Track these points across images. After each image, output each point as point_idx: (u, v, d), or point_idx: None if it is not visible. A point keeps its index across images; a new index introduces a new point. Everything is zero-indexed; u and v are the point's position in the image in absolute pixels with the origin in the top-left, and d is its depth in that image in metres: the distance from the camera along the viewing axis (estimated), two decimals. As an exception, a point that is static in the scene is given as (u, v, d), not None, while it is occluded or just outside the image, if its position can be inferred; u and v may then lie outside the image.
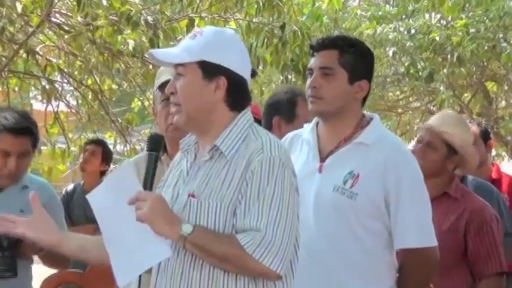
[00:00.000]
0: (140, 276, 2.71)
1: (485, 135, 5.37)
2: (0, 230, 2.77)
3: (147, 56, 6.58)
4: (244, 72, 2.67)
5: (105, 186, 2.70)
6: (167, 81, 3.22)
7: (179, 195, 2.65)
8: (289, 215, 2.53)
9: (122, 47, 6.43)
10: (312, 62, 3.29)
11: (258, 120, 4.04)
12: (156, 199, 2.57)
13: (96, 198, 2.70)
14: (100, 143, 7.15)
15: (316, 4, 9.22)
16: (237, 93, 2.65)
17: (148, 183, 2.65)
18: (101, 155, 6.96)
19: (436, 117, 4.13)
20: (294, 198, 2.58)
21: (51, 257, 3.54)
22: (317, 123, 3.33)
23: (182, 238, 2.52)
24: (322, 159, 3.23)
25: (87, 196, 2.72)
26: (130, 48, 6.18)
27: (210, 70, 2.61)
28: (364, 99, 3.29)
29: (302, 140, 3.34)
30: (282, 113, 4.12)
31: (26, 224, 2.78)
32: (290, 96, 4.15)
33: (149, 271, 2.68)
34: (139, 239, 2.57)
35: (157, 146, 2.70)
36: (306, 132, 3.34)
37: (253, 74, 2.73)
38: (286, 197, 2.54)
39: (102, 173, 6.98)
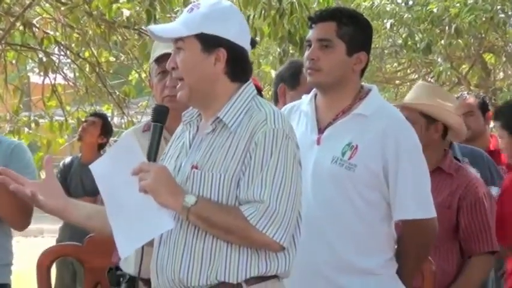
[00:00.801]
0: (142, 247, 2.71)
1: (483, 107, 5.37)
2: (12, 187, 2.75)
3: (144, 28, 6.62)
4: (244, 42, 2.66)
5: (107, 156, 2.70)
6: (164, 55, 3.22)
7: (181, 167, 2.65)
8: (292, 187, 2.54)
9: (118, 18, 6.41)
10: (310, 34, 3.28)
11: (260, 93, 4.07)
12: (159, 170, 2.57)
13: (98, 169, 2.69)
14: (101, 116, 7.15)
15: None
16: (238, 64, 2.64)
17: (153, 154, 2.62)
18: (100, 127, 6.95)
19: (410, 92, 4.16)
20: (297, 170, 2.58)
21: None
22: (315, 95, 3.32)
23: (186, 209, 2.52)
24: (321, 131, 3.23)
25: (90, 166, 2.70)
26: (125, 18, 6.15)
27: (208, 42, 2.60)
28: (363, 71, 3.28)
29: (300, 112, 3.34)
30: (286, 80, 4.18)
31: (35, 186, 2.74)
32: (294, 65, 4.20)
33: (151, 243, 2.69)
34: (142, 210, 2.57)
35: (162, 117, 2.68)
36: (304, 103, 3.34)
37: (253, 43, 2.72)
38: (289, 168, 2.54)
39: (100, 146, 6.97)
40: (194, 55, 2.61)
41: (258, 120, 2.57)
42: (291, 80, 4.13)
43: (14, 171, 3.59)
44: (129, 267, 3.29)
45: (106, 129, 7.01)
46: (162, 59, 3.23)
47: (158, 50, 3.32)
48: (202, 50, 2.61)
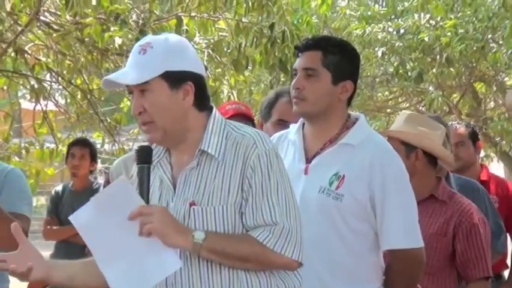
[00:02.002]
0: None
1: (473, 137, 5.38)
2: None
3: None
4: (202, 70, 2.66)
5: (93, 204, 2.60)
6: None
7: (170, 208, 2.61)
8: (295, 203, 2.59)
9: (110, 45, 6.42)
10: (297, 62, 3.29)
11: (251, 121, 4.07)
12: (163, 211, 2.54)
13: (80, 219, 2.60)
14: (85, 144, 7.05)
15: (307, 5, 9.24)
16: (203, 94, 2.64)
17: (145, 196, 2.58)
18: (89, 156, 6.90)
19: (395, 122, 4.19)
20: (290, 185, 2.62)
21: None
22: (303, 124, 3.33)
23: (197, 245, 2.50)
24: (308, 160, 3.23)
25: (70, 217, 2.61)
26: (117, 45, 6.16)
27: (175, 78, 2.57)
28: (350, 100, 3.29)
29: (288, 141, 3.33)
30: (262, 112, 4.15)
31: (14, 259, 2.67)
32: (272, 96, 4.14)
33: None
34: (143, 254, 2.53)
35: (146, 157, 2.63)
36: (292, 133, 3.34)
37: (205, 69, 2.72)
38: (287, 186, 2.59)
39: (91, 172, 6.94)
40: (163, 95, 2.57)
41: (247, 144, 2.57)
42: (265, 113, 4.10)
43: (9, 197, 3.59)
44: None
45: (94, 155, 6.94)
46: None
47: None
48: (170, 87, 2.57)
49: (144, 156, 2.63)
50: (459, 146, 5.17)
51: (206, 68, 2.66)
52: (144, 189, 2.58)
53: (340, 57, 3.23)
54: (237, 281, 2.55)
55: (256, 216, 2.53)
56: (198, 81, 2.61)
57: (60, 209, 6.82)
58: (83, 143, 7.03)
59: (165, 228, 2.51)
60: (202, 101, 2.64)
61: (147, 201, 2.58)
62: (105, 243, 2.58)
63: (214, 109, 2.68)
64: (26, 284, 3.77)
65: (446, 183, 4.11)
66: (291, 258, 2.54)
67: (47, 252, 7.50)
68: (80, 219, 2.61)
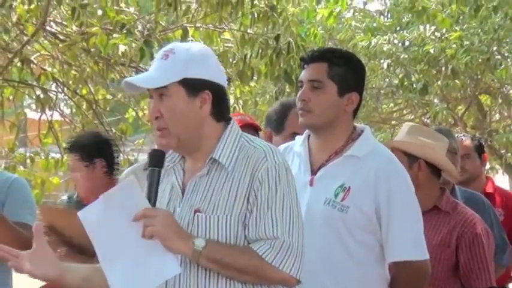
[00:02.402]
0: None
1: (479, 149, 5.38)
2: (10, 265, 2.71)
3: (141, 66, 6.64)
4: (223, 80, 2.66)
5: (101, 203, 2.62)
6: None
7: (178, 213, 2.62)
8: (299, 219, 2.58)
9: (114, 53, 6.43)
10: (302, 74, 3.29)
11: (256, 130, 4.06)
12: (166, 215, 2.55)
13: (89, 215, 2.61)
14: None
15: (312, 16, 9.27)
16: (222, 104, 2.65)
17: (153, 199, 2.59)
18: None
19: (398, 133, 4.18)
20: (298, 201, 2.61)
21: None
22: (308, 136, 3.33)
23: (197, 253, 2.50)
24: (314, 172, 3.23)
25: (78, 213, 2.64)
26: (120, 53, 6.17)
27: (193, 86, 2.59)
28: (355, 112, 3.29)
29: (294, 153, 3.34)
30: (272, 124, 4.13)
31: (29, 258, 2.68)
32: (281, 108, 4.13)
33: None
34: (145, 256, 2.53)
35: (158, 160, 2.65)
36: (298, 144, 3.34)
37: (228, 80, 2.72)
38: (294, 201, 2.57)
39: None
40: (180, 101, 2.59)
41: (257, 157, 2.57)
42: (276, 125, 4.09)
43: (13, 206, 3.60)
44: None
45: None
46: None
47: None
48: (187, 95, 2.59)
49: (156, 160, 2.65)
50: (465, 159, 5.17)
51: (230, 80, 2.66)
52: (152, 192, 2.60)
53: (345, 69, 3.23)
54: None
55: (259, 229, 2.53)
56: (217, 91, 2.62)
57: None
58: None
59: (167, 232, 2.51)
60: (221, 111, 2.64)
61: (154, 204, 2.59)
62: (109, 242, 2.59)
63: (233, 120, 2.68)
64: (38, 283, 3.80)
65: (451, 196, 4.10)
66: (289, 274, 2.52)
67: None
68: (88, 216, 2.62)
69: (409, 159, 3.91)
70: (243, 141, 2.64)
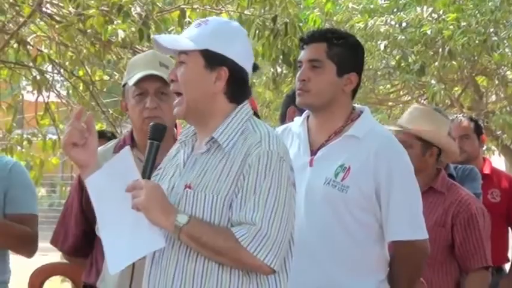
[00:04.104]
0: (134, 265, 2.70)
1: (478, 130, 5.39)
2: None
3: (138, 47, 6.63)
4: (246, 64, 2.66)
5: (103, 171, 2.67)
6: (144, 77, 3.23)
7: (175, 187, 2.64)
8: (285, 210, 2.53)
9: (113, 37, 6.42)
10: (301, 55, 3.29)
11: (255, 113, 4.07)
12: (153, 188, 2.56)
13: (93, 183, 2.67)
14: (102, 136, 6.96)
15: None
16: (237, 85, 2.64)
17: (147, 171, 2.62)
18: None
19: (405, 115, 4.15)
20: (290, 193, 2.58)
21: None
22: (307, 117, 3.33)
23: (177, 228, 2.51)
24: (313, 153, 3.23)
25: (86, 180, 2.68)
26: (120, 39, 6.16)
27: (213, 60, 2.60)
28: (354, 92, 3.29)
29: (293, 134, 3.34)
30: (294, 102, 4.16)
31: (81, 133, 2.68)
32: None
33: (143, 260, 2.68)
34: (134, 227, 2.57)
35: (159, 134, 2.67)
36: (297, 125, 3.35)
37: (255, 67, 2.71)
38: (282, 191, 2.54)
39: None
40: (196, 70, 2.61)
41: (252, 141, 2.57)
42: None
43: (18, 195, 3.60)
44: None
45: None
46: (141, 80, 3.24)
47: (136, 71, 3.30)
48: (205, 66, 2.60)
49: (156, 133, 2.67)
50: (464, 139, 5.18)
51: (257, 67, 2.64)
52: (148, 164, 2.63)
53: (344, 49, 3.24)
54: (209, 273, 2.54)
55: (240, 212, 2.52)
56: (236, 71, 2.62)
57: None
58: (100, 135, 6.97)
59: (151, 204, 2.53)
60: (235, 92, 2.64)
61: (149, 176, 2.61)
62: (107, 210, 2.64)
63: (245, 103, 2.67)
64: (26, 276, 3.80)
65: (446, 176, 4.11)
66: (262, 262, 2.50)
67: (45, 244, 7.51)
68: (92, 183, 2.67)
69: (423, 145, 3.92)
70: (248, 124, 2.63)
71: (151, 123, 2.71)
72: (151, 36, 6.15)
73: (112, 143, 3.45)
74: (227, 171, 2.56)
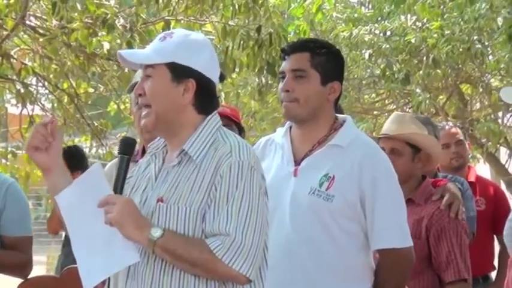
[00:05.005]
0: (109, 279, 2.69)
1: (464, 137, 5.40)
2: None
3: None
4: (213, 75, 2.66)
5: (74, 187, 2.66)
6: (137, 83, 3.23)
7: (147, 200, 2.63)
8: (258, 219, 2.53)
9: (98, 49, 6.41)
10: (284, 65, 3.29)
11: (238, 124, 4.05)
12: (125, 202, 2.55)
13: (64, 199, 2.66)
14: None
15: (292, 6, 9.26)
16: (205, 97, 2.64)
17: (119, 186, 2.61)
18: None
19: (390, 123, 4.11)
20: (263, 202, 2.58)
21: None
22: (290, 127, 3.33)
23: (151, 242, 2.50)
24: (297, 163, 3.24)
25: (56, 197, 2.67)
26: (105, 50, 6.16)
27: (179, 72, 2.60)
28: (336, 101, 3.30)
29: (276, 144, 3.34)
30: None
31: (44, 137, 2.69)
32: None
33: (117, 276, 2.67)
34: (107, 243, 2.56)
35: (129, 148, 2.67)
36: (279, 136, 3.35)
37: (222, 78, 2.72)
38: (255, 201, 2.54)
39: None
40: (163, 83, 2.61)
41: (223, 152, 2.56)
42: None
43: (11, 213, 3.59)
44: None
45: (73, 165, 6.61)
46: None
47: (138, 78, 3.31)
48: (171, 79, 2.60)
49: (126, 147, 2.67)
50: (458, 145, 5.17)
51: (223, 77, 2.64)
52: (119, 179, 2.62)
53: (327, 58, 3.25)
54: (185, 286, 2.53)
55: (214, 223, 2.52)
56: (204, 83, 2.62)
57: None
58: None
59: (124, 219, 2.52)
60: (203, 103, 2.64)
61: (120, 191, 2.61)
62: (79, 226, 2.64)
63: (213, 114, 2.67)
64: (15, 282, 3.80)
65: (430, 185, 4.08)
66: (238, 272, 2.49)
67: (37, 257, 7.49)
68: (63, 200, 2.67)
69: (413, 150, 3.91)
70: (218, 135, 2.63)
71: (121, 137, 2.72)
72: (136, 47, 6.16)
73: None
74: (199, 182, 2.56)
